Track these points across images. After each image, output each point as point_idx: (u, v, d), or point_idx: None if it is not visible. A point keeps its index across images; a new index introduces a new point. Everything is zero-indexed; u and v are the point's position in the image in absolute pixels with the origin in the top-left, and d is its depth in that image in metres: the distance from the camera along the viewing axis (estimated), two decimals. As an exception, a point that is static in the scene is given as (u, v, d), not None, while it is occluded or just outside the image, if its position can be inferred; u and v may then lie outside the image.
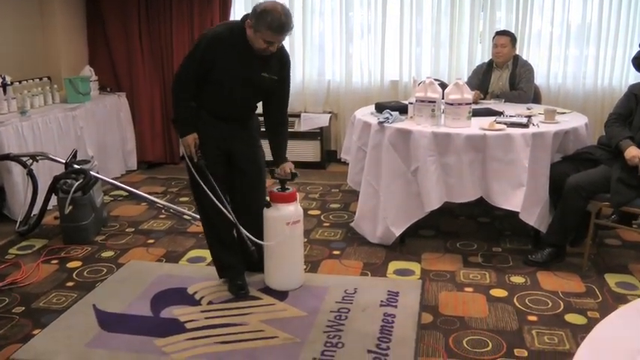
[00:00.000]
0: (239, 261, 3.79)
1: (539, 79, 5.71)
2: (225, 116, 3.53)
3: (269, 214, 3.63)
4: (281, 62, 3.52)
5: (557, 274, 3.96)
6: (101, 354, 3.07)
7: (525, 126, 4.13)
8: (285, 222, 3.60)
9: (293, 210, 3.64)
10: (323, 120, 6.71)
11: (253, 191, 3.69)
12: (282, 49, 3.49)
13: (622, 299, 3.61)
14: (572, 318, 3.40)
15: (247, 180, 3.66)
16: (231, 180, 3.66)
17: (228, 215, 3.55)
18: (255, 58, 3.37)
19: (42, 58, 6.27)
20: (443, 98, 4.24)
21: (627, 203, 3.79)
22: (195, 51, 3.40)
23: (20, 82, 5.71)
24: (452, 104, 4.13)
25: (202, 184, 3.50)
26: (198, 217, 4.86)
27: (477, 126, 4.12)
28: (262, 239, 3.66)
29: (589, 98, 6.14)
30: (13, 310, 3.57)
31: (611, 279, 3.88)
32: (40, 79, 6.05)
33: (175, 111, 3.56)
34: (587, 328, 3.26)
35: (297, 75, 6.75)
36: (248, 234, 3.56)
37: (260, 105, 3.69)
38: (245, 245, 3.59)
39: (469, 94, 4.17)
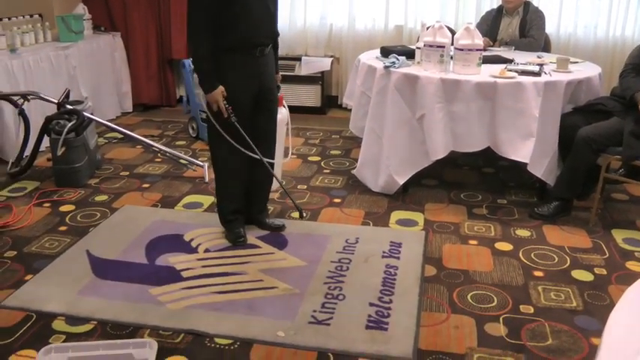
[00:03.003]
0: (242, 213, 3.69)
1: (548, 28, 5.50)
2: (254, 45, 3.34)
3: None
4: None
5: (564, 228, 3.86)
6: (95, 302, 2.97)
7: (537, 74, 3.96)
8: (284, 123, 3.86)
9: (285, 112, 3.96)
10: (324, 64, 6.51)
11: (271, 123, 3.62)
12: None
13: (629, 256, 3.52)
14: (578, 274, 3.31)
15: (269, 115, 3.59)
16: (254, 118, 3.52)
17: (263, 159, 3.53)
18: None
19: (33, -7, 6.03)
20: (452, 44, 4.07)
21: (639, 157, 3.67)
22: None
23: (10, 18, 5.49)
24: (462, 50, 3.95)
25: (229, 139, 3.38)
26: (196, 161, 4.77)
27: (487, 73, 3.96)
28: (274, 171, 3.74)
29: (600, 48, 5.95)
30: (5, 255, 3.47)
31: (618, 235, 3.78)
32: (31, 15, 5.82)
33: (198, 63, 3.31)
34: (593, 285, 3.19)
35: (299, 17, 6.56)
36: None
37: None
38: (253, 198, 3.70)
39: (480, 40, 3.99)
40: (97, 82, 6.09)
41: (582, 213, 4.04)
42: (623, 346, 1.21)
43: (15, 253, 3.50)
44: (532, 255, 3.51)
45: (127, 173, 4.79)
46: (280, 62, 3.79)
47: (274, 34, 3.51)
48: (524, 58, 4.55)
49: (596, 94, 4.15)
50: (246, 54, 3.33)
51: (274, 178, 3.74)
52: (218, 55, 3.29)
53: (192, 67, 3.41)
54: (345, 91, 5.27)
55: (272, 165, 3.65)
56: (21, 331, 2.76)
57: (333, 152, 5.34)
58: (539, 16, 5.18)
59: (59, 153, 4.37)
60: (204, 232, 3.74)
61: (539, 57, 4.65)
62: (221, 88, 3.29)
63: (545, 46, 5.30)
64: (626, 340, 1.25)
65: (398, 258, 3.43)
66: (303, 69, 6.46)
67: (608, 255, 3.53)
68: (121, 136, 5.40)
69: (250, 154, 3.46)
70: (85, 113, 4.57)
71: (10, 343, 2.67)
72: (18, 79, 5.00)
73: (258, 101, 3.47)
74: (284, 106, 3.95)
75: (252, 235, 3.68)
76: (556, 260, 3.46)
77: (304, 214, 3.93)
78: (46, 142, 4.68)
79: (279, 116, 3.71)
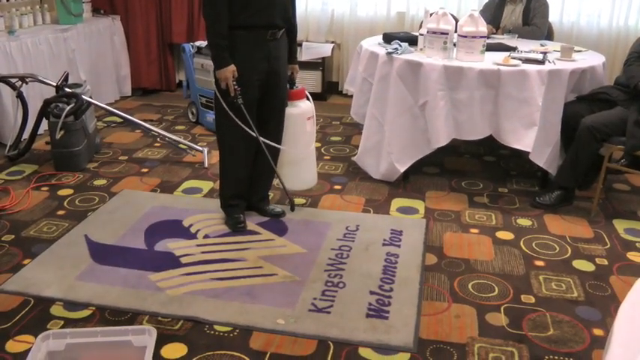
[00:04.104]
0: (243, 198, 3.67)
1: (551, 16, 5.45)
2: (264, 26, 3.29)
3: (290, 111, 3.65)
4: None
5: (565, 217, 3.83)
6: (93, 287, 2.95)
7: (541, 63, 3.93)
8: (306, 117, 3.72)
9: (310, 105, 3.78)
10: (325, 50, 6.46)
11: (280, 110, 3.59)
12: None
13: (630, 246, 3.50)
14: (580, 264, 3.29)
15: (278, 100, 3.55)
16: (263, 100, 3.47)
17: (264, 146, 3.50)
18: None
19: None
20: (455, 31, 4.03)
21: (643, 147, 3.64)
22: None
23: (8, 0, 5.43)
24: (465, 37, 3.91)
25: (236, 119, 3.33)
26: (195, 146, 4.73)
27: (491, 61, 3.92)
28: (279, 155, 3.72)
29: (603, 37, 5.90)
30: (3, 239, 3.44)
31: (620, 225, 3.76)
32: (30, -3, 5.77)
33: (213, 38, 3.24)
34: (595, 276, 3.17)
35: (300, 2, 6.47)
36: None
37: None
38: (255, 186, 3.69)
39: (484, 27, 3.95)
40: (96, 65, 6.04)
41: (584, 203, 4.01)
42: (634, 341, 1.19)
43: (13, 237, 3.47)
44: (533, 244, 3.49)
45: (126, 158, 4.76)
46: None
47: (287, 18, 3.44)
48: (528, 47, 4.51)
49: (600, 84, 4.11)
50: (257, 35, 3.29)
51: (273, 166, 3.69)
52: (230, 33, 3.24)
53: (208, 42, 3.34)
54: (346, 78, 5.23)
55: (278, 151, 3.62)
56: (19, 315, 2.74)
57: (333, 138, 5.30)
58: (543, 4, 5.13)
59: (58, 136, 4.33)
60: (203, 217, 3.72)
61: (542, 45, 4.61)
62: (233, 66, 3.24)
63: (548, 34, 5.27)
64: (638, 334, 1.23)
65: (399, 246, 3.41)
66: (304, 54, 6.40)
67: (609, 245, 3.51)
68: (120, 120, 5.37)
69: (257, 135, 3.43)
70: (84, 97, 4.53)
71: (7, 328, 2.66)
72: (16, 61, 4.96)
73: (268, 86, 3.42)
74: (308, 99, 3.81)
75: (252, 222, 3.66)
76: (557, 250, 3.44)
77: (294, 209, 3.84)
78: (44, 125, 4.64)
79: (297, 110, 3.69)
